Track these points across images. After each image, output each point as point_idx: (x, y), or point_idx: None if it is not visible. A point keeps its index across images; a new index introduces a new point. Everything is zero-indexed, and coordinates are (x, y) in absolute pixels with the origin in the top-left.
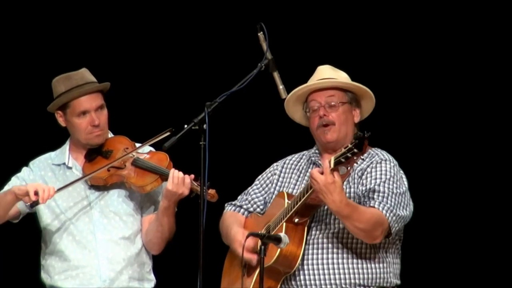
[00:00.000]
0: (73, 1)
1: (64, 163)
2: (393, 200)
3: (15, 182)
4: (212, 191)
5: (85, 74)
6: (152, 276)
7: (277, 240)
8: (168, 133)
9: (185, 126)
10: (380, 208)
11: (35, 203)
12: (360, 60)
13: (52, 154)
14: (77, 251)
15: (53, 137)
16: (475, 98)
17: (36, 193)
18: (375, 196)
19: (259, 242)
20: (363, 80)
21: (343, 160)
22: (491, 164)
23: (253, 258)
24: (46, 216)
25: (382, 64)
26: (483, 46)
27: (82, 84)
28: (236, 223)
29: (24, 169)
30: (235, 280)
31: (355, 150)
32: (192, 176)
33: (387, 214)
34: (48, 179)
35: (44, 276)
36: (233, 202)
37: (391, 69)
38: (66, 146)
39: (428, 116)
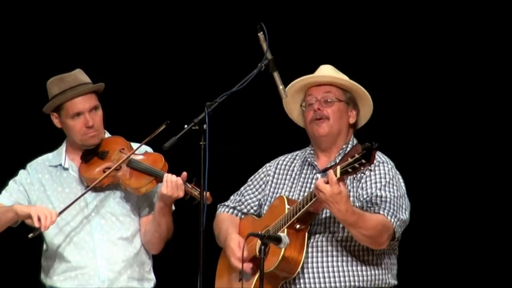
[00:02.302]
0: (72, 1)
1: (60, 164)
2: (395, 204)
3: (13, 187)
4: (206, 194)
5: (78, 75)
6: (152, 276)
7: (277, 240)
8: (164, 126)
9: (185, 126)
10: (385, 214)
11: (37, 231)
12: (360, 60)
13: (49, 155)
14: (75, 252)
15: (51, 138)
16: (475, 98)
17: (39, 219)
18: (378, 202)
19: (257, 247)
20: (363, 81)
21: (350, 170)
22: (488, 164)
23: (247, 267)
24: None
25: (382, 65)
26: (483, 46)
27: (75, 85)
28: (231, 227)
29: (21, 172)
30: (231, 283)
31: (363, 161)
32: (185, 173)
33: (392, 220)
34: (45, 181)
35: (43, 276)
36: (226, 203)
37: (390, 70)
38: (63, 147)
39: (425, 117)
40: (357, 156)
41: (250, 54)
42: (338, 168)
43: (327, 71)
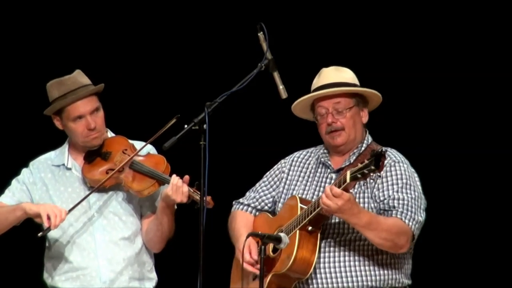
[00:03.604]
0: (72, 1)
1: (63, 164)
2: (413, 206)
3: (16, 186)
4: (207, 198)
5: (78, 78)
6: (153, 275)
7: (277, 240)
8: (174, 120)
9: (185, 126)
10: (403, 218)
11: (47, 230)
12: (360, 59)
13: (52, 154)
14: (76, 252)
15: (54, 137)
16: (478, 98)
17: (48, 217)
18: (395, 204)
19: (270, 247)
20: (364, 79)
21: (359, 176)
22: (497, 163)
23: (255, 271)
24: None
25: (383, 64)
26: (483, 46)
27: (75, 89)
28: (245, 227)
29: (24, 171)
30: (246, 284)
31: (372, 167)
32: (187, 177)
33: (410, 223)
34: (48, 180)
35: (46, 276)
36: (241, 201)
37: (391, 68)
38: (66, 147)
39: (433, 115)
40: (366, 162)
41: (250, 54)
42: (348, 173)
43: (331, 77)
